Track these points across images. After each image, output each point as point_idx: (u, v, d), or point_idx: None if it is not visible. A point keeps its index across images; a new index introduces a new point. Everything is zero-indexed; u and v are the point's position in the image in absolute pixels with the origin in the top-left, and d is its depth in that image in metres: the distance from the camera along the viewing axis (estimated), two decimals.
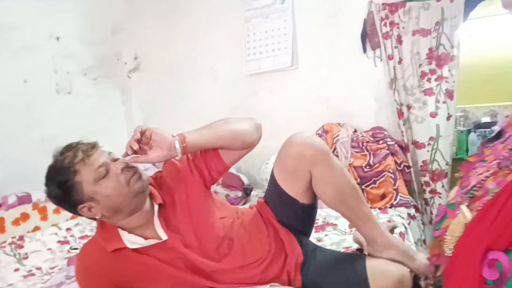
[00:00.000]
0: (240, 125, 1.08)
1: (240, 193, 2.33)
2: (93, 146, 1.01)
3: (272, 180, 1.17)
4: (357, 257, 1.14)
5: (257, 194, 2.41)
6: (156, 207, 1.05)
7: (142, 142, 0.95)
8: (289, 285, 1.10)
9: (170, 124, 2.92)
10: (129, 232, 1.03)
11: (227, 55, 2.65)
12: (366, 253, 1.14)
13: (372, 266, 1.06)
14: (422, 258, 1.08)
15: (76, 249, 1.82)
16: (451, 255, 0.74)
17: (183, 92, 2.86)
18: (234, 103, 2.65)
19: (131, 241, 1.02)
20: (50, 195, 1.00)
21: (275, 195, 1.17)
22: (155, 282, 1.05)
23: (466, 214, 0.73)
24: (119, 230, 1.03)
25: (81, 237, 1.99)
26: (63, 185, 0.95)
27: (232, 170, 2.33)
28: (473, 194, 0.76)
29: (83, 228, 2.06)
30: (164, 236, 1.04)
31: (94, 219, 1.03)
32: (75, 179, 0.95)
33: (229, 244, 1.10)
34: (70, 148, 0.99)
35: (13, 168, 2.11)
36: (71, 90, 2.51)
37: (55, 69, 2.44)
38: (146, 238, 1.03)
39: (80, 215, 1.01)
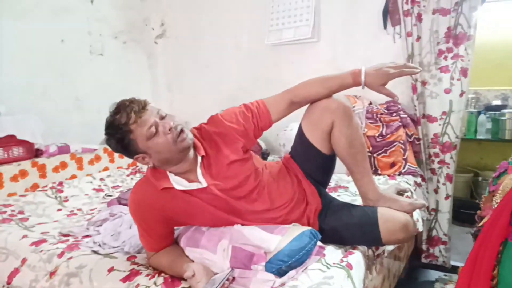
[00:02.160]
0: None
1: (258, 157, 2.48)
2: (144, 106, 1.09)
3: (299, 133, 1.33)
4: (369, 206, 1.29)
5: (273, 159, 2.57)
6: (199, 158, 1.18)
7: None
8: None
9: (192, 90, 3.07)
10: (176, 175, 1.17)
11: (250, 26, 2.73)
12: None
13: (382, 212, 1.22)
14: (404, 200, 1.27)
15: (110, 196, 2.01)
16: (495, 207, 0.80)
17: (206, 60, 2.95)
18: (255, 73, 2.75)
19: (177, 182, 1.16)
20: (110, 146, 1.14)
21: (301, 146, 1.33)
22: (197, 217, 1.22)
23: None
24: (168, 172, 1.17)
25: (113, 187, 2.18)
26: (121, 141, 1.09)
27: None
28: None
29: (114, 179, 2.25)
30: (204, 183, 1.17)
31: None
32: (130, 137, 1.08)
33: (259, 191, 1.24)
34: (124, 107, 1.08)
35: (50, 122, 2.22)
36: (103, 52, 2.64)
37: (89, 31, 2.56)
38: (190, 182, 1.17)
39: (137, 161, 1.15)
